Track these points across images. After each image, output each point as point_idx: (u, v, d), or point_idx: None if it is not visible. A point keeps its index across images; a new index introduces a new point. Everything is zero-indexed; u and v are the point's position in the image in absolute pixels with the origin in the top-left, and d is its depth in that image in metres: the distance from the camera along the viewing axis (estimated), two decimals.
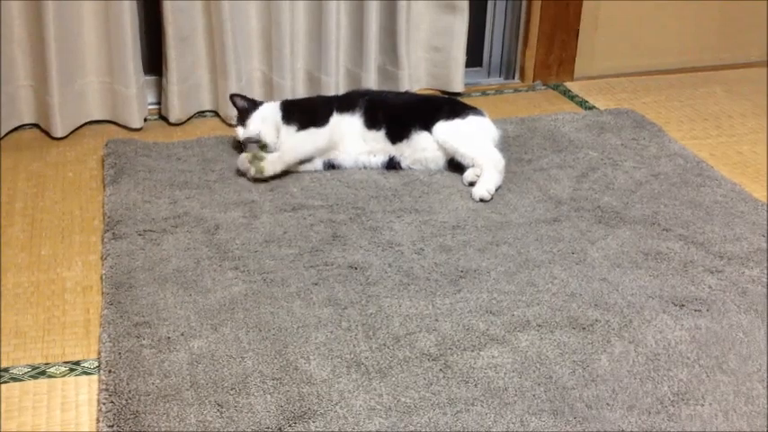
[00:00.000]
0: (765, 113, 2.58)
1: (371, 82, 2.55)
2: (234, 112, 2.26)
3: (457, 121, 2.09)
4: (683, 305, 1.56)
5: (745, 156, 2.31)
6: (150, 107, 2.53)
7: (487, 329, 1.49)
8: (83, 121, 2.43)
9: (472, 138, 2.07)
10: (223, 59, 2.40)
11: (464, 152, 2.05)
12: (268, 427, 1.26)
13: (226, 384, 1.35)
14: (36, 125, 2.41)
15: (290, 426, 1.26)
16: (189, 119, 2.49)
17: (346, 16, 2.51)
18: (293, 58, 2.49)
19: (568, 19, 2.76)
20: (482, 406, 1.31)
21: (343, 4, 2.48)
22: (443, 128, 2.07)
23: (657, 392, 1.34)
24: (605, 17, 2.79)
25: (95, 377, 1.40)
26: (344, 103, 2.15)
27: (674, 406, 1.31)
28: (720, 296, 1.60)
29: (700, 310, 1.55)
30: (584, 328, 1.49)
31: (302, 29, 2.49)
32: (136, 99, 2.40)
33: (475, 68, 2.83)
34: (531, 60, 2.80)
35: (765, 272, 1.67)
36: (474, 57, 2.80)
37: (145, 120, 2.46)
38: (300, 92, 2.55)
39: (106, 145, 2.22)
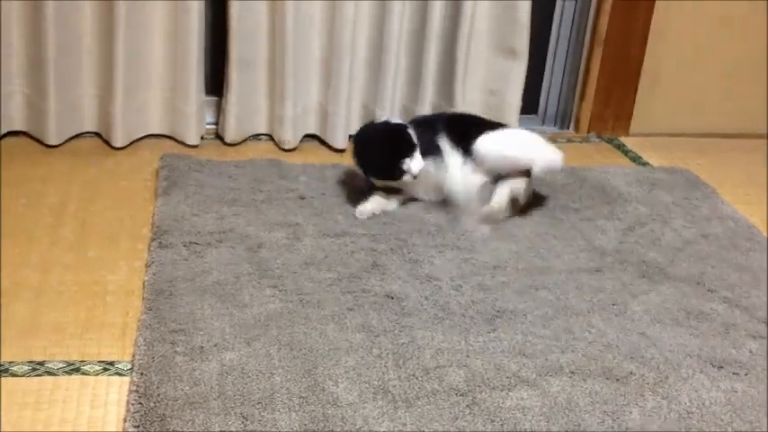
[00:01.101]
0: None
1: None
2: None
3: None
4: (721, 367, 1.53)
5: None
6: (208, 126, 2.58)
7: (519, 371, 1.48)
8: (142, 134, 2.49)
9: None
10: (282, 86, 2.45)
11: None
12: None
13: (253, 398, 1.36)
14: (97, 134, 2.48)
15: None
16: (244, 140, 2.54)
17: (405, 53, 2.55)
18: (350, 90, 2.52)
19: (628, 74, 2.76)
20: None
21: (404, 41, 2.51)
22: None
23: None
24: (666, 75, 2.78)
25: (127, 378, 1.42)
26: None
27: None
28: (761, 362, 1.56)
29: (738, 374, 1.52)
30: (617, 380, 1.47)
31: (362, 62, 2.53)
32: (195, 117, 2.46)
33: (530, 116, 2.84)
34: (586, 112, 2.80)
35: None
36: (530, 104, 2.81)
37: (201, 138, 2.51)
38: (354, 124, 2.58)
39: (161, 158, 2.28)
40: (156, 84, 2.46)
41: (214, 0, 2.46)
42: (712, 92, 2.85)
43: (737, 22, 2.76)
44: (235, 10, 2.38)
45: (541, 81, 2.85)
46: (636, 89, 2.79)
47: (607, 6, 2.67)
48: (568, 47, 2.80)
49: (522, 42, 2.58)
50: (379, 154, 2.02)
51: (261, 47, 2.46)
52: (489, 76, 2.66)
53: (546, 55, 2.82)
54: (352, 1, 2.39)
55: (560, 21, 2.78)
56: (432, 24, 2.48)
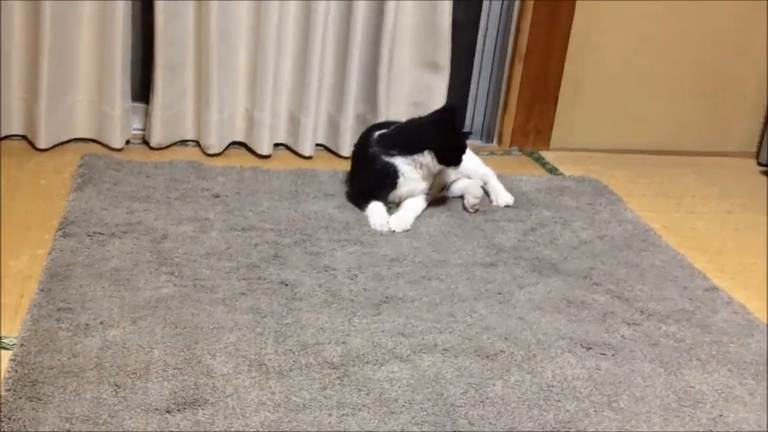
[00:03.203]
0: (729, 196, 2.65)
1: (349, 129, 2.64)
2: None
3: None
4: (590, 348, 1.60)
5: (698, 231, 2.36)
6: (135, 132, 2.63)
7: (394, 348, 1.53)
8: (68, 137, 2.53)
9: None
10: (207, 91, 2.51)
11: (476, 169, 2.34)
12: (157, 409, 1.30)
13: (129, 369, 1.40)
14: (24, 137, 2.52)
15: (178, 410, 1.31)
16: (170, 145, 2.59)
17: (330, 64, 2.62)
18: (276, 97, 2.59)
19: (548, 90, 2.86)
20: (368, 412, 1.34)
21: (329, 51, 2.59)
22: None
23: (541, 419, 1.37)
24: (586, 92, 2.88)
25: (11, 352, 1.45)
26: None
27: None
28: (630, 345, 1.63)
29: (605, 354, 1.58)
30: (487, 357, 1.53)
31: (287, 71, 2.60)
32: (120, 120, 2.51)
33: None
34: (509, 126, 2.89)
35: (681, 329, 1.71)
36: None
37: (128, 142, 2.56)
38: (281, 131, 2.65)
39: (81, 157, 2.32)
40: (83, 88, 2.51)
41: (143, 7, 2.52)
42: (632, 109, 2.95)
43: (655, 41, 2.87)
44: (161, 16, 2.45)
45: (468, 97, 2.94)
46: (555, 104, 2.88)
47: (526, 24, 2.76)
48: (493, 63, 2.89)
49: (444, 56, 2.67)
50: (456, 137, 2.15)
51: (187, 53, 2.53)
52: (413, 88, 2.74)
53: (471, 71, 2.91)
54: (277, 11, 2.47)
55: (485, 37, 2.88)
56: (354, 35, 2.55)
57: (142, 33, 2.57)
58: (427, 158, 2.10)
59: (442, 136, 2.10)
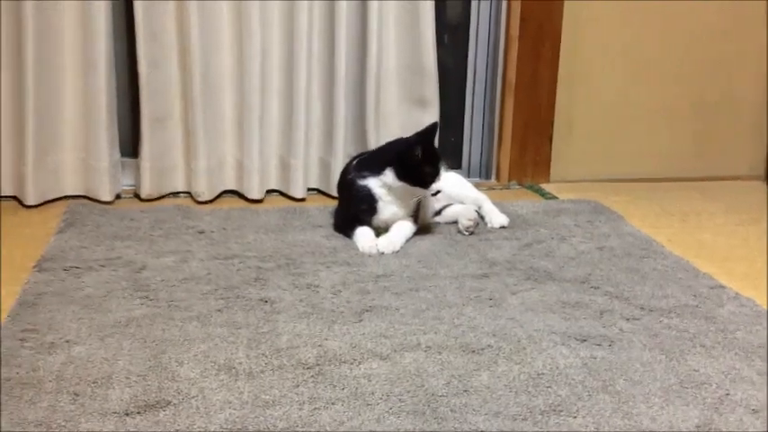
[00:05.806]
0: (736, 213, 2.56)
1: (339, 168, 2.60)
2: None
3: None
4: (585, 340, 1.50)
5: (704, 242, 2.26)
6: (127, 187, 2.60)
7: (374, 348, 1.45)
8: (56, 195, 2.50)
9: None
10: (195, 141, 2.49)
11: (467, 194, 2.29)
12: (115, 412, 1.22)
13: (90, 379, 1.32)
14: (14, 197, 2.50)
15: (138, 412, 1.22)
16: (161, 197, 2.55)
17: (317, 106, 2.60)
18: (264, 143, 2.56)
19: (540, 124, 2.81)
20: (342, 405, 1.25)
21: (314, 94, 2.57)
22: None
23: (530, 404, 1.27)
24: (582, 123, 2.83)
25: None
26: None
27: (543, 415, 1.23)
28: (629, 336, 1.53)
29: (600, 345, 1.48)
30: (473, 351, 1.44)
31: (274, 116, 2.58)
32: (108, 173, 2.48)
33: (455, 170, 2.87)
34: (505, 161, 2.84)
35: (684, 321, 1.60)
36: (455, 159, 2.86)
37: (119, 196, 2.53)
38: (272, 176, 2.61)
39: (67, 206, 2.29)
40: (70, 145, 2.49)
41: (129, 60, 2.54)
42: (631, 138, 2.90)
43: (646, 69, 2.84)
44: (143, 66, 2.45)
45: (463, 136, 2.90)
46: (550, 136, 2.83)
47: (513, 55, 2.74)
48: (485, 99, 2.87)
49: (432, 91, 2.65)
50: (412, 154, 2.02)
51: (173, 103, 2.52)
52: (402, 125, 2.69)
53: (464, 110, 2.88)
54: (259, 57, 2.46)
55: (474, 73, 2.86)
56: (339, 77, 2.54)
57: (129, 85, 2.57)
58: (389, 177, 2.03)
59: (400, 153, 2.02)
